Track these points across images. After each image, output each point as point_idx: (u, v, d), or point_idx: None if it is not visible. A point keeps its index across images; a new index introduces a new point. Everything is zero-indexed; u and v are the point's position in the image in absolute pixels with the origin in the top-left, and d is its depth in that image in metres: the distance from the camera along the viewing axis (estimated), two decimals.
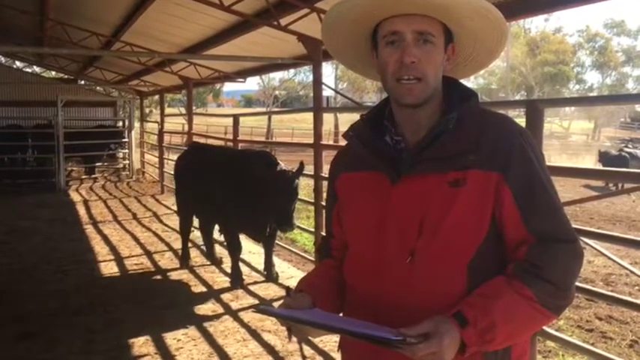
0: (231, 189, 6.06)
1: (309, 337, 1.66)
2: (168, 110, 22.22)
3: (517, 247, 1.46)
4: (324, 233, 1.86)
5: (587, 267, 7.79)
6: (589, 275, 7.58)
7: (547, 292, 1.40)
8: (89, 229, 9.49)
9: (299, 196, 5.97)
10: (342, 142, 1.80)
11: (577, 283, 2.93)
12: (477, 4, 1.48)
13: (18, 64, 23.71)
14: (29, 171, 16.00)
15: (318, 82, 6.82)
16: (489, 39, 1.58)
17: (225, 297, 5.92)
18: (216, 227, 7.13)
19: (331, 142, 20.31)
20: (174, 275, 6.76)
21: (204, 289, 6.22)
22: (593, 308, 6.19)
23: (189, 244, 7.45)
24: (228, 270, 6.66)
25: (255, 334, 4.90)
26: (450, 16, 1.49)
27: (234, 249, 6.37)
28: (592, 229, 3.89)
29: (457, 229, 1.45)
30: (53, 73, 22.64)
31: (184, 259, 7.11)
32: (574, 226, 1.54)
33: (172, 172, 8.22)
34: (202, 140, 10.31)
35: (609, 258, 4.01)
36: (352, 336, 1.37)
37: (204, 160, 6.82)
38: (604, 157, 20.22)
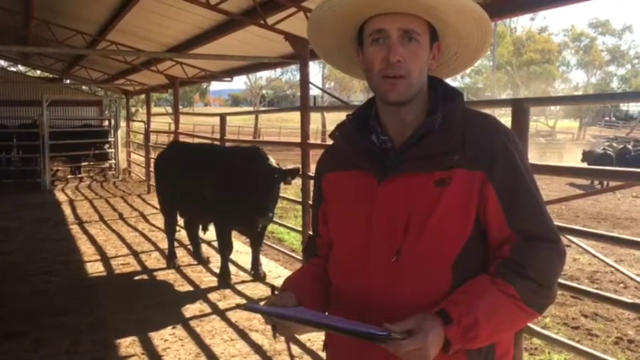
0: (217, 185, 6.04)
1: (296, 336, 1.67)
2: (154, 109, 22.07)
3: (500, 246, 1.47)
4: (311, 232, 1.87)
5: (572, 265, 7.85)
6: (574, 273, 7.64)
7: (530, 290, 1.42)
8: (75, 229, 9.43)
9: (289, 196, 5.95)
10: (330, 142, 1.80)
11: (563, 281, 2.95)
12: (462, 3, 1.49)
13: (2, 62, 23.49)
14: (14, 171, 15.88)
15: (305, 82, 6.81)
16: (474, 38, 1.59)
17: (213, 296, 5.91)
18: (201, 226, 7.13)
19: (318, 142, 20.29)
20: (160, 275, 6.73)
21: (191, 289, 6.20)
22: (579, 306, 6.24)
23: (176, 244, 7.42)
24: (216, 269, 6.64)
25: (242, 334, 4.89)
26: (436, 14, 1.50)
27: (225, 247, 6.34)
28: (577, 227, 3.91)
29: (442, 227, 1.46)
30: (38, 72, 22.45)
31: (170, 259, 7.08)
32: (560, 223, 1.56)
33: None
34: (189, 139, 10.27)
35: (594, 256, 4.05)
36: (337, 331, 1.38)
37: (186, 158, 6.79)
38: (588, 156, 20.36)
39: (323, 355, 1.75)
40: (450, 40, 1.59)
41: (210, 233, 7.07)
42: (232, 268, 6.64)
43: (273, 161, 5.90)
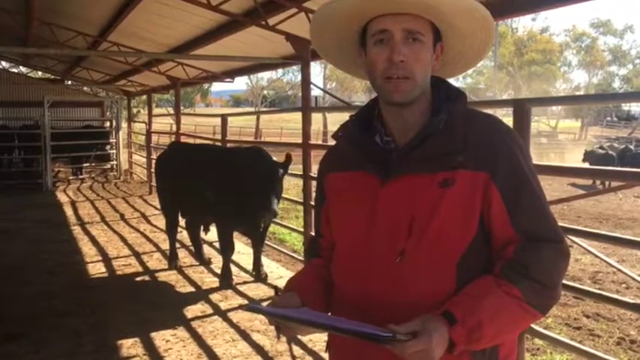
0: (219, 185, 6.04)
1: (299, 337, 1.67)
2: (155, 110, 22.11)
3: (504, 247, 1.47)
4: (313, 233, 1.86)
5: (574, 265, 7.84)
6: (577, 273, 7.63)
7: (534, 291, 1.41)
8: (76, 230, 9.43)
9: (291, 197, 5.95)
10: (331, 142, 1.80)
11: (565, 281, 2.95)
12: (466, 3, 1.48)
13: (3, 64, 23.51)
14: (16, 172, 15.90)
15: (306, 82, 6.81)
16: (477, 38, 1.58)
17: (214, 297, 5.91)
18: (203, 227, 7.13)
19: (320, 142, 20.31)
20: (162, 276, 6.73)
21: (192, 290, 6.20)
22: (581, 306, 6.23)
23: (178, 245, 7.42)
24: (217, 270, 6.64)
25: (244, 335, 4.89)
26: (440, 15, 1.49)
27: (227, 248, 6.34)
28: (579, 228, 3.91)
29: (446, 228, 1.46)
30: (40, 73, 22.47)
31: (172, 260, 7.07)
32: (562, 224, 1.56)
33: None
34: (190, 140, 10.27)
35: (596, 256, 4.04)
36: (341, 333, 1.38)
37: (187, 158, 6.79)
38: (589, 157, 20.33)
39: (325, 356, 1.75)
40: (453, 40, 1.58)
41: (212, 234, 7.07)
42: (234, 269, 6.64)
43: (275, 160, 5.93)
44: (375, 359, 1.45)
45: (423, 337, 1.30)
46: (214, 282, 6.41)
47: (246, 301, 5.78)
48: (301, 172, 6.52)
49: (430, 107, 1.56)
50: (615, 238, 3.59)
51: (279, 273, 6.83)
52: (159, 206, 8.01)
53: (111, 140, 17.50)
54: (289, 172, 5.99)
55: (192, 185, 6.39)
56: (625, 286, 7.17)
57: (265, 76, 48.84)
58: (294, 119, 37.30)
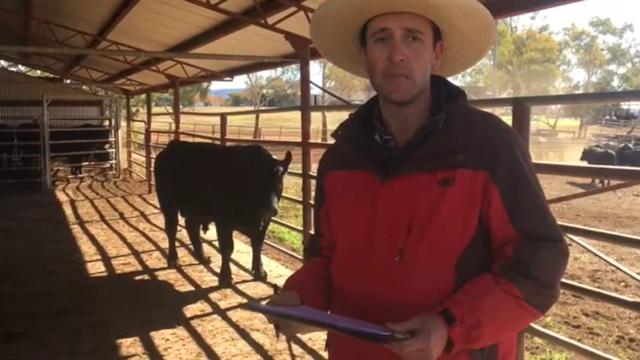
0: (218, 184, 6.04)
1: (298, 335, 1.67)
2: (155, 109, 22.09)
3: (503, 246, 1.47)
4: (312, 232, 1.86)
5: (573, 264, 7.85)
6: (575, 272, 7.64)
7: (533, 290, 1.41)
8: (76, 229, 9.42)
9: (290, 196, 5.94)
10: (330, 141, 1.80)
11: (564, 280, 2.95)
12: (466, 3, 1.48)
13: (2, 62, 23.48)
14: (15, 171, 15.88)
15: (305, 81, 6.82)
16: (477, 37, 1.58)
17: (214, 296, 5.91)
18: (202, 225, 7.13)
19: (319, 141, 20.28)
20: (161, 275, 6.73)
21: (192, 289, 6.20)
22: (580, 304, 6.24)
23: (177, 244, 7.42)
24: (216, 269, 6.64)
25: (243, 333, 4.89)
26: (439, 14, 1.49)
27: (226, 247, 6.33)
28: (578, 226, 3.91)
29: (446, 227, 1.46)
30: (39, 72, 22.45)
31: (171, 259, 7.07)
32: (561, 222, 1.56)
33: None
34: (190, 139, 10.27)
35: (595, 254, 4.04)
36: (340, 332, 1.38)
37: (186, 157, 6.78)
38: (588, 155, 20.32)
39: (324, 354, 1.75)
40: (453, 39, 1.58)
41: (211, 233, 7.06)
42: (233, 268, 6.64)
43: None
44: (375, 358, 1.45)
45: (422, 336, 1.30)
46: (214, 281, 6.41)
47: (245, 300, 5.78)
48: (301, 171, 6.52)
49: (430, 106, 1.56)
50: (614, 237, 3.60)
51: (279, 272, 6.83)
52: (158, 205, 8.00)
53: (110, 139, 17.48)
54: (289, 170, 6.00)
55: (191, 184, 6.39)
56: (624, 284, 7.18)
57: (264, 74, 49.02)
58: (293, 118, 37.29)
